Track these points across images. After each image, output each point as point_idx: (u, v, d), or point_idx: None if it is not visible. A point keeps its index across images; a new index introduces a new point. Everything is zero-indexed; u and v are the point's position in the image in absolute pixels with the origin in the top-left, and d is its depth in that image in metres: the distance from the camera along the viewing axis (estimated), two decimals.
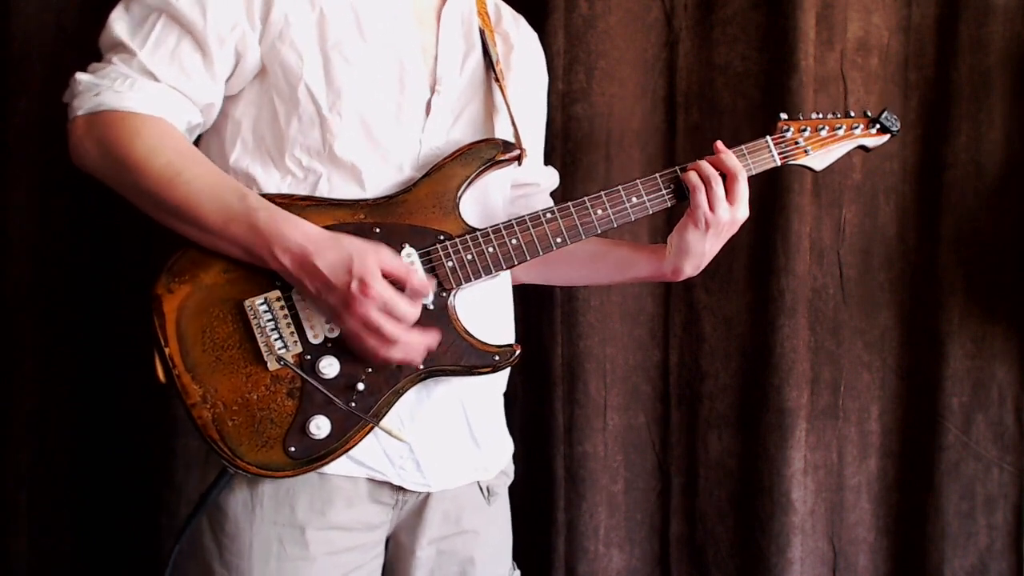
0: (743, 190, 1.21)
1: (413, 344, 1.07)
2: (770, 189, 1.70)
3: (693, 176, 1.20)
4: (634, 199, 1.20)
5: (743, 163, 1.22)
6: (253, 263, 1.06)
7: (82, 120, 1.07)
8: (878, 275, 1.79)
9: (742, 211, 1.22)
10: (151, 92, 1.07)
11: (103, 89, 1.06)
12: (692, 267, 1.27)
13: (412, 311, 1.06)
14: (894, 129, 1.31)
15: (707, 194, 1.19)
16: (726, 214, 1.20)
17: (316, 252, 1.04)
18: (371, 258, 1.05)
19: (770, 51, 1.70)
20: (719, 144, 1.22)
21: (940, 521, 1.76)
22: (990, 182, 1.72)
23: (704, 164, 1.21)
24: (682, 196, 1.22)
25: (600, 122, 1.74)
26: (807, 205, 1.71)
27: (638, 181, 1.21)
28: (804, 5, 1.65)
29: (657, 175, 1.21)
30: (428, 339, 1.08)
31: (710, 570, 1.80)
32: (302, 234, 1.05)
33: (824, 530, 1.81)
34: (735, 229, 1.24)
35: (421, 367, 1.11)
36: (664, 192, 1.21)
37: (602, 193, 1.20)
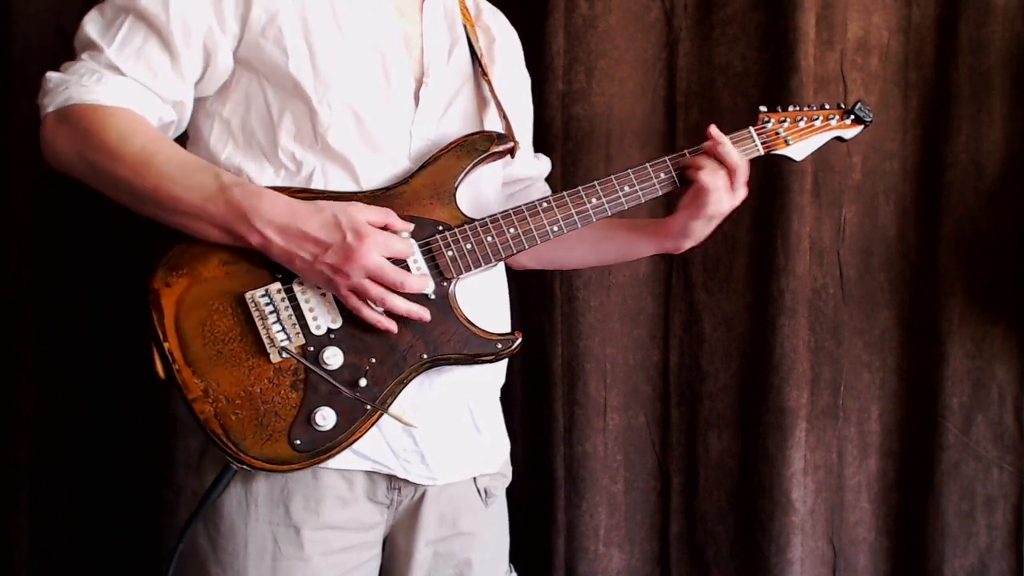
0: (744, 180, 1.25)
1: (415, 284, 1.08)
2: (770, 189, 1.70)
3: (706, 176, 1.22)
4: (626, 188, 1.23)
5: None
6: (235, 244, 1.06)
7: (52, 117, 1.08)
8: (878, 275, 1.78)
9: (741, 196, 1.26)
10: (118, 85, 1.08)
11: (71, 84, 1.07)
12: (693, 243, 1.32)
13: (406, 247, 1.09)
14: (867, 119, 1.34)
15: (717, 191, 1.22)
16: (730, 205, 1.25)
17: (300, 218, 1.04)
18: (352, 209, 1.06)
19: (770, 51, 1.70)
20: (714, 131, 1.24)
21: (940, 521, 1.75)
22: (990, 182, 1.72)
23: (708, 160, 1.23)
24: (673, 185, 1.26)
25: (600, 122, 1.74)
26: (807, 205, 1.71)
27: (630, 171, 1.24)
28: (804, 5, 1.65)
29: (648, 164, 1.25)
30: (425, 282, 1.10)
31: (710, 570, 1.80)
32: (281, 204, 1.05)
33: (824, 530, 1.81)
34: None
35: (425, 357, 1.11)
36: (655, 181, 1.24)
37: (596, 183, 1.22)
